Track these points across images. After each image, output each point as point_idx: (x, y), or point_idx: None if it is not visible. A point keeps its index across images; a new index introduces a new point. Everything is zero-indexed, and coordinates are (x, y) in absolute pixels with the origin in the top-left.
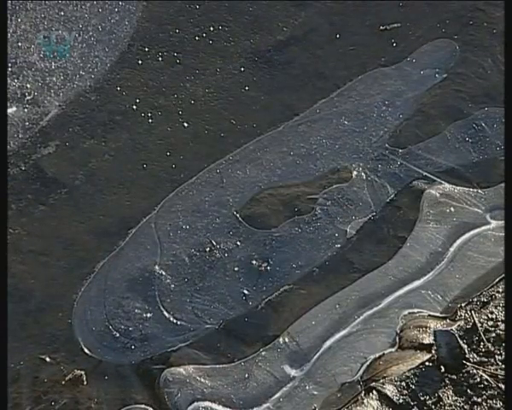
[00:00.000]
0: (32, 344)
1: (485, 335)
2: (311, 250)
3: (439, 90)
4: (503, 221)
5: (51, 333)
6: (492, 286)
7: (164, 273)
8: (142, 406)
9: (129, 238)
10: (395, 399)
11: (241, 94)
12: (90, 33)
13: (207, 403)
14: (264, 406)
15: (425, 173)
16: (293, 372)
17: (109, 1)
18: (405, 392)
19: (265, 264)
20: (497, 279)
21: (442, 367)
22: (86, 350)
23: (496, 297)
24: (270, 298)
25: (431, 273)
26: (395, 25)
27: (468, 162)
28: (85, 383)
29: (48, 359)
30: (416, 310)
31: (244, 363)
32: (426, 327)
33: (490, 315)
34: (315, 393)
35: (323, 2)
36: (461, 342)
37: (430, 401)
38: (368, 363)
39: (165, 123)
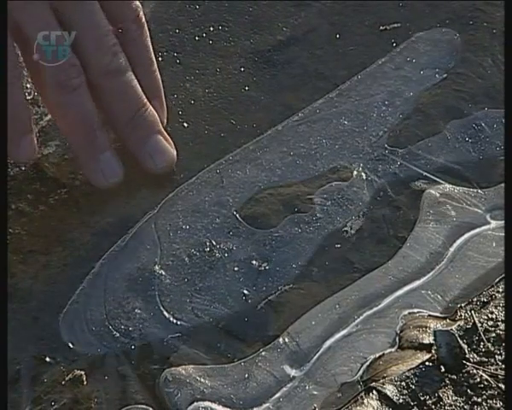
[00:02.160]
0: (32, 344)
1: (485, 335)
2: (311, 250)
3: (439, 90)
4: (503, 221)
5: (51, 333)
6: (492, 286)
7: (164, 273)
8: (143, 406)
9: (129, 238)
10: (395, 399)
11: (241, 94)
12: None
13: (207, 403)
14: (265, 406)
15: (425, 173)
16: (293, 372)
17: None
18: (405, 392)
19: (265, 264)
20: (497, 279)
21: (442, 367)
22: (86, 350)
23: (496, 297)
24: (269, 298)
25: (431, 273)
26: (395, 25)
27: (468, 162)
28: (85, 383)
29: (48, 359)
30: (416, 310)
31: (244, 363)
32: (426, 327)
33: (490, 315)
34: (315, 393)
35: (323, 3)
36: (461, 342)
37: (430, 401)
38: (368, 363)
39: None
